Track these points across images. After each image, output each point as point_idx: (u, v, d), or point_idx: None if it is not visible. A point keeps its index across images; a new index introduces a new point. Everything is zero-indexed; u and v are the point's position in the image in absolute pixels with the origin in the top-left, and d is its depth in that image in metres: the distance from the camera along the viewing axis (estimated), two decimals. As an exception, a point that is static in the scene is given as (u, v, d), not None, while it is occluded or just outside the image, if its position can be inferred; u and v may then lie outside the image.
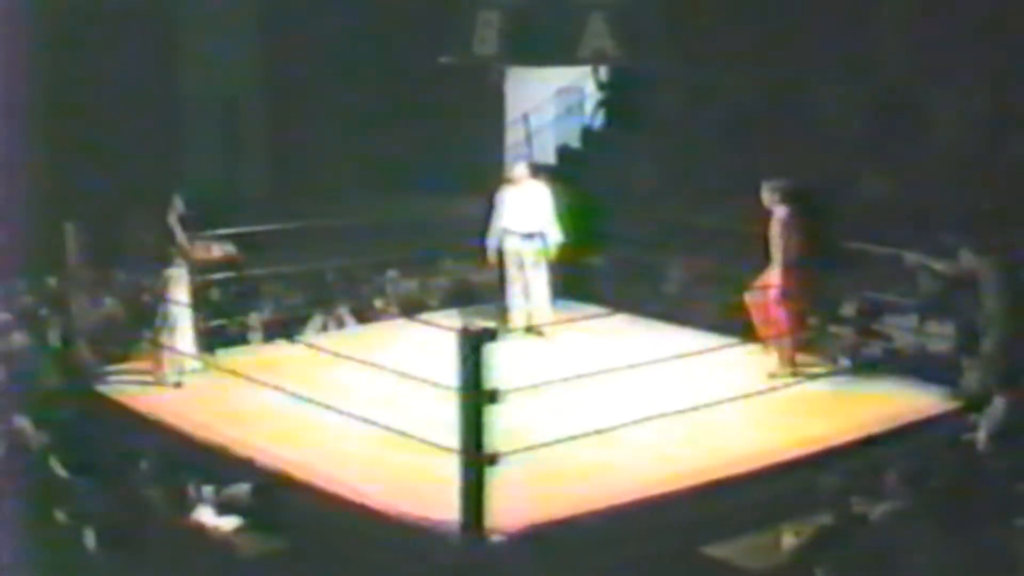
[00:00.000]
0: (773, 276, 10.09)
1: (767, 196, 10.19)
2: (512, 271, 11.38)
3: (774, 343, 10.16)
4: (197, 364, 10.14)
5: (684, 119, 15.62)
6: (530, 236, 11.29)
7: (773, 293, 10.03)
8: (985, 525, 7.50)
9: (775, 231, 10.06)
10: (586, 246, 12.08)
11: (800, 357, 10.29)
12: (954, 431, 8.86)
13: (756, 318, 10.26)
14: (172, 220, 10.16)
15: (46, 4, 14.68)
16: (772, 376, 9.98)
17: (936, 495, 7.76)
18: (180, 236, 10.14)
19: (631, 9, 16.69)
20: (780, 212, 10.09)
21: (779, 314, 10.08)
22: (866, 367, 10.28)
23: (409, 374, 8.31)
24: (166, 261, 10.08)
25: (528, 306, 11.35)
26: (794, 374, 10.03)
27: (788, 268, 10.00)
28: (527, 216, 11.27)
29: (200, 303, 10.32)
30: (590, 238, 11.99)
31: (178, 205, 10.22)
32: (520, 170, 11.49)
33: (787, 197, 10.12)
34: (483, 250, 11.46)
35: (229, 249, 10.39)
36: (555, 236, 11.31)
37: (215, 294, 11.46)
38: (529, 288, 11.34)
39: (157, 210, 10.25)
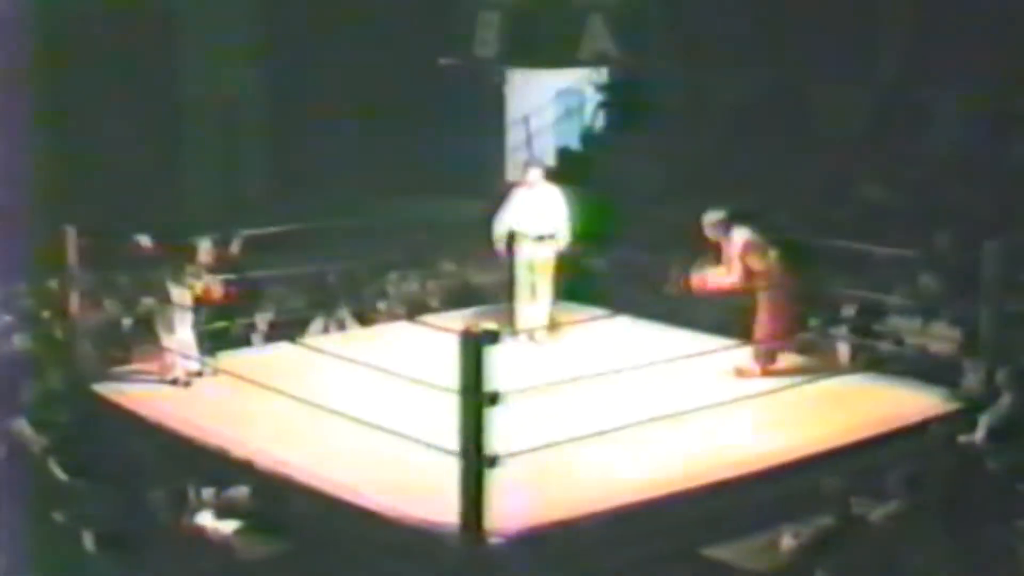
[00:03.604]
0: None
1: (710, 230, 10.24)
2: (523, 273, 11.40)
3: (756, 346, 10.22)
4: (200, 366, 10.14)
5: (684, 120, 15.63)
6: (541, 239, 11.30)
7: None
8: (985, 526, 7.50)
9: (733, 256, 10.15)
10: (587, 248, 12.08)
11: (797, 359, 10.34)
12: (954, 432, 8.85)
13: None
14: (204, 243, 10.18)
15: (47, 6, 14.73)
16: (739, 373, 10.07)
17: (936, 496, 7.76)
18: (207, 258, 10.18)
19: (631, 11, 16.75)
20: (737, 236, 10.14)
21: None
22: (865, 367, 10.29)
23: (409, 376, 8.31)
24: (180, 275, 10.11)
25: (533, 308, 11.37)
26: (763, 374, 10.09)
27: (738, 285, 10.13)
28: (539, 219, 11.29)
29: (203, 307, 10.31)
30: (591, 240, 12.00)
31: (234, 246, 10.31)
32: (534, 173, 11.49)
33: (733, 225, 10.18)
34: (485, 251, 11.47)
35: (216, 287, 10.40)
36: (563, 239, 11.34)
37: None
38: (536, 290, 11.36)
39: (167, 213, 10.28)
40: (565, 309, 11.68)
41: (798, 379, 9.85)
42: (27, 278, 12.43)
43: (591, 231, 11.74)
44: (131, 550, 7.68)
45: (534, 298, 11.37)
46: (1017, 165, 13.14)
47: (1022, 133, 13.42)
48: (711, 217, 10.28)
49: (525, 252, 11.34)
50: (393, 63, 17.51)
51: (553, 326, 11.33)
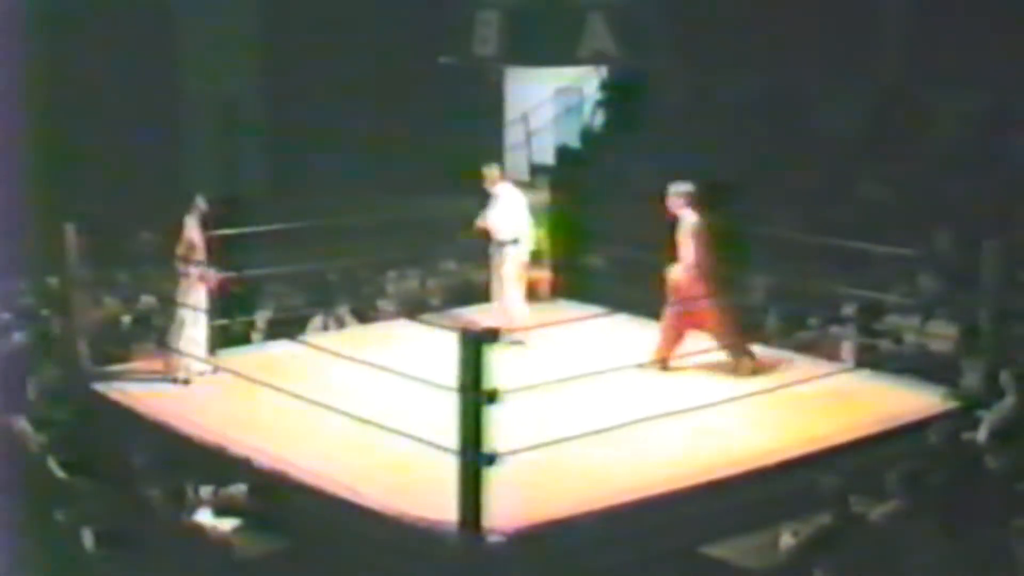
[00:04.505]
0: (679, 278, 10.10)
1: (673, 201, 10.10)
2: (493, 274, 11.36)
3: (726, 351, 10.13)
4: (204, 364, 10.13)
5: (684, 119, 15.64)
6: (502, 245, 11.21)
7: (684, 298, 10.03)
8: (985, 525, 7.49)
9: (682, 236, 10.03)
10: (585, 246, 12.06)
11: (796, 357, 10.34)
12: (953, 431, 8.84)
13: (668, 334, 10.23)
14: (190, 221, 10.15)
15: (47, 4, 14.73)
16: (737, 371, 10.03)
17: (935, 495, 7.76)
18: (197, 237, 10.13)
19: (630, 10, 16.76)
20: (689, 218, 10.04)
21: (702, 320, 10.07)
22: (863, 366, 10.28)
23: (408, 374, 8.30)
24: (182, 263, 10.07)
25: (507, 309, 11.29)
26: (754, 372, 10.05)
27: (695, 273, 9.99)
28: (503, 223, 11.21)
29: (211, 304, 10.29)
30: (589, 238, 11.98)
31: (200, 205, 10.22)
32: (492, 173, 11.37)
33: (695, 202, 10.07)
34: (483, 249, 11.47)
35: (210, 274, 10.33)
36: (526, 243, 11.27)
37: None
38: (504, 293, 11.28)
39: (166, 211, 10.24)
40: (564, 307, 11.67)
41: (797, 377, 9.85)
42: (27, 276, 12.42)
43: (589, 228, 11.73)
44: (130, 548, 7.67)
45: (505, 299, 11.27)
46: (1017, 164, 13.15)
47: (1021, 132, 13.42)
48: (679, 188, 10.15)
49: (493, 254, 11.27)
50: (393, 62, 17.51)
51: (513, 328, 11.20)
